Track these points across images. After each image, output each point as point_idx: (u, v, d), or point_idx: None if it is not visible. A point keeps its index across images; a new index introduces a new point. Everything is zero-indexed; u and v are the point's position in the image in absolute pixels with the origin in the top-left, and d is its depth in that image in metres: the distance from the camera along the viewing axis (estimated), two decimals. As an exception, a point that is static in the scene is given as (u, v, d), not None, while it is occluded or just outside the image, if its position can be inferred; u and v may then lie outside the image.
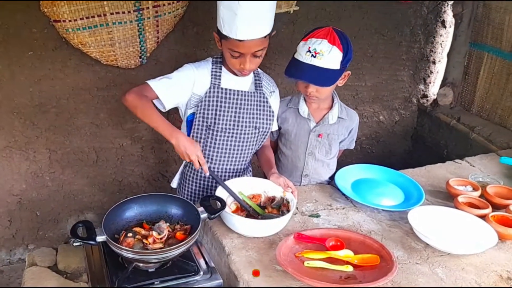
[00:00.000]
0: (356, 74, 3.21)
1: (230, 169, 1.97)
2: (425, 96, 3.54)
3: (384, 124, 3.51)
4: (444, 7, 3.27)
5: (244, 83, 1.88)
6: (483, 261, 1.58)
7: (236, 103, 1.85)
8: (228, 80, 1.85)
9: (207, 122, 1.84)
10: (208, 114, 1.82)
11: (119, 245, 1.41)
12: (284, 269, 1.43)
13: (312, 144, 2.08)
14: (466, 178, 2.07)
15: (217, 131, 1.85)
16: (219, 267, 1.57)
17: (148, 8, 2.40)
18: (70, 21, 2.31)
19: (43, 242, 2.78)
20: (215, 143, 1.89)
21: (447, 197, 1.96)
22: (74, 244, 1.58)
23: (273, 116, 1.95)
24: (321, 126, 2.06)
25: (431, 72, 3.47)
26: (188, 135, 1.90)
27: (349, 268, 1.48)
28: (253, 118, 1.89)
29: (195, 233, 1.46)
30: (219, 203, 1.61)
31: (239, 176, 1.99)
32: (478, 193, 1.93)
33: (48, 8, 2.29)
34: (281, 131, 2.13)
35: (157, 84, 1.76)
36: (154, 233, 1.50)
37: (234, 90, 1.85)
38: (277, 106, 2.03)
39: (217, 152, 1.91)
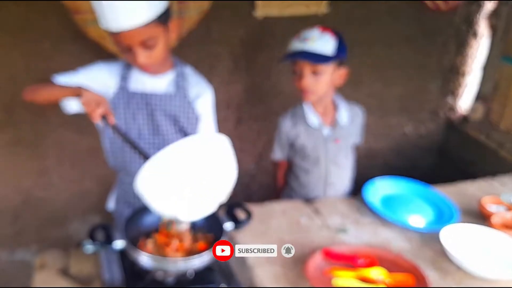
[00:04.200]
0: (382, 82, 3.19)
1: None
2: (452, 109, 3.50)
3: (408, 137, 3.48)
4: (477, 18, 3.22)
5: (159, 84, 1.70)
6: (520, 287, 1.49)
7: (150, 107, 1.68)
8: (139, 81, 1.69)
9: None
10: (119, 120, 1.64)
11: (139, 252, 1.34)
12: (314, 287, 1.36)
13: (331, 151, 2.05)
14: (498, 197, 1.99)
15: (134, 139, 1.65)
16: (242, 280, 1.49)
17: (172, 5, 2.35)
18: (91, 13, 2.20)
19: (46, 242, 2.75)
20: (134, 154, 1.67)
21: (479, 217, 1.87)
22: (88, 250, 1.52)
23: (197, 120, 1.76)
24: (335, 131, 2.03)
25: (460, 85, 3.43)
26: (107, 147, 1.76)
27: (382, 288, 1.40)
28: (175, 122, 1.71)
29: (219, 244, 1.39)
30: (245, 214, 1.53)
31: None
32: (512, 213, 1.85)
33: (68, -1, 2.23)
34: (295, 148, 2.07)
35: (62, 78, 1.63)
36: (175, 241, 1.43)
37: (146, 93, 1.68)
38: (207, 109, 1.81)
39: (140, 164, 1.73)
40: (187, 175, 1.25)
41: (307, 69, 1.88)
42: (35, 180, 2.65)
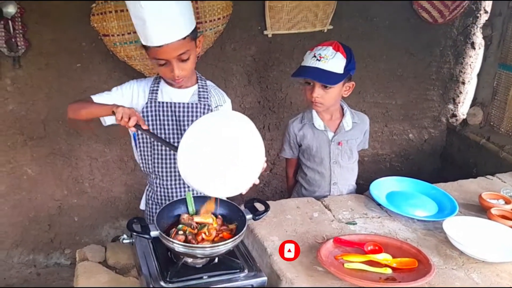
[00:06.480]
0: (386, 92, 3.28)
1: (185, 185, 1.90)
2: (454, 115, 3.58)
3: (413, 142, 3.54)
4: (474, 29, 3.33)
5: (184, 95, 1.85)
6: (517, 269, 1.60)
7: (176, 115, 1.82)
8: (166, 94, 1.84)
9: (149, 137, 1.84)
10: (149, 128, 1.78)
11: (172, 240, 1.45)
12: (326, 269, 1.48)
13: (334, 153, 2.17)
14: (498, 192, 2.10)
15: (161, 145, 1.83)
16: (261, 267, 1.59)
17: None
18: (118, 35, 2.45)
19: (79, 247, 2.79)
20: (162, 159, 1.87)
21: (479, 210, 1.99)
22: (124, 241, 1.66)
23: None
24: (339, 134, 2.16)
25: (460, 92, 3.51)
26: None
27: (388, 271, 1.52)
28: None
29: (241, 232, 1.50)
30: (263, 206, 1.65)
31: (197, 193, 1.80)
32: (510, 206, 1.96)
33: (98, 23, 2.43)
34: (302, 148, 2.21)
35: (98, 98, 1.78)
36: (203, 232, 1.53)
37: (172, 103, 1.82)
38: None
39: (168, 168, 1.88)
40: (217, 151, 1.38)
41: (318, 83, 2.01)
42: (69, 188, 2.78)
